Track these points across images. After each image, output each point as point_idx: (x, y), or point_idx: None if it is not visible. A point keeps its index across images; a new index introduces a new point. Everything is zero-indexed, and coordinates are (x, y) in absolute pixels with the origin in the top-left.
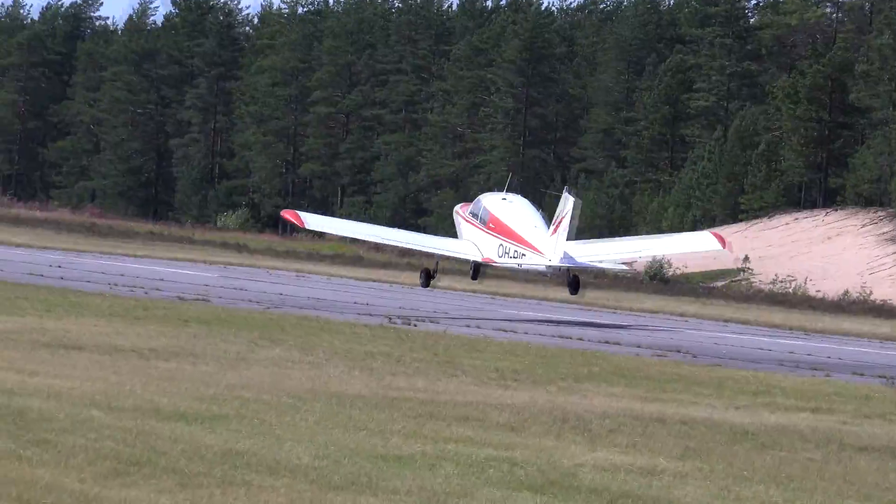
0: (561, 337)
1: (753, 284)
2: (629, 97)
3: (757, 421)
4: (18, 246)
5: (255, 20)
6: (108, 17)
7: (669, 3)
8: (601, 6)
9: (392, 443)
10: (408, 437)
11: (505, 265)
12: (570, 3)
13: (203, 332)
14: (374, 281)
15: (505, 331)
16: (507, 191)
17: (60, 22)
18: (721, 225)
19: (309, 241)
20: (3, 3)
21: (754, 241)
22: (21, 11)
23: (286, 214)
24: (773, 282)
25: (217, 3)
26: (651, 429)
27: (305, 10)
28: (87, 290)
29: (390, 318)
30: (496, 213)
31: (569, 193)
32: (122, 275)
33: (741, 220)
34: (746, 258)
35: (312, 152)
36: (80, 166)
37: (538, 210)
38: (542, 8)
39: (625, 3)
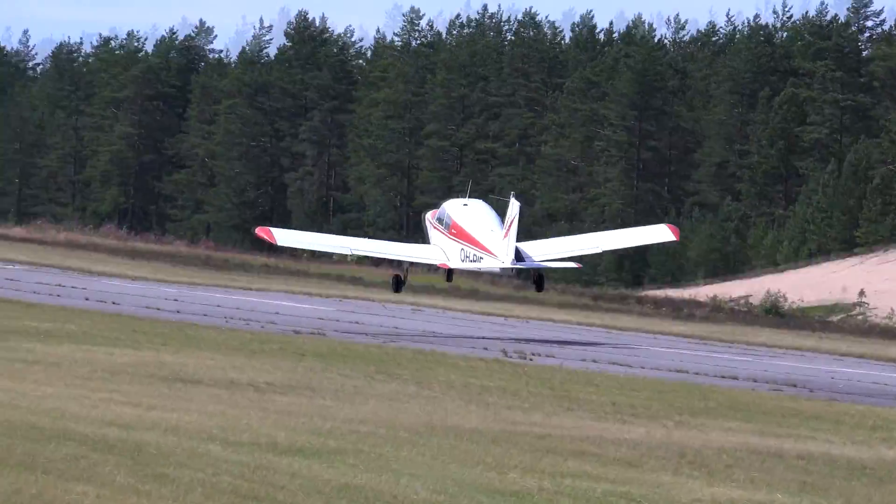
0: (677, 371)
1: (869, 318)
2: (742, 130)
3: (875, 456)
4: (135, 279)
5: (369, 53)
6: (222, 50)
7: (782, 37)
8: (714, 39)
9: (509, 478)
10: (525, 472)
11: (464, 268)
12: (683, 36)
13: (319, 365)
14: (490, 314)
15: (620, 364)
16: (468, 196)
17: (175, 55)
18: (836, 259)
19: (424, 274)
20: (117, 37)
21: (870, 274)
22: (136, 44)
23: (259, 232)
24: (890, 316)
25: (331, 36)
26: (768, 464)
27: (419, 42)
28: (203, 323)
29: (506, 352)
30: (457, 218)
31: (514, 198)
32: (237, 308)
33: (856, 254)
34: (862, 292)
35: (426, 185)
36: (196, 199)
37: (497, 214)
38: (655, 41)
39: (738, 36)
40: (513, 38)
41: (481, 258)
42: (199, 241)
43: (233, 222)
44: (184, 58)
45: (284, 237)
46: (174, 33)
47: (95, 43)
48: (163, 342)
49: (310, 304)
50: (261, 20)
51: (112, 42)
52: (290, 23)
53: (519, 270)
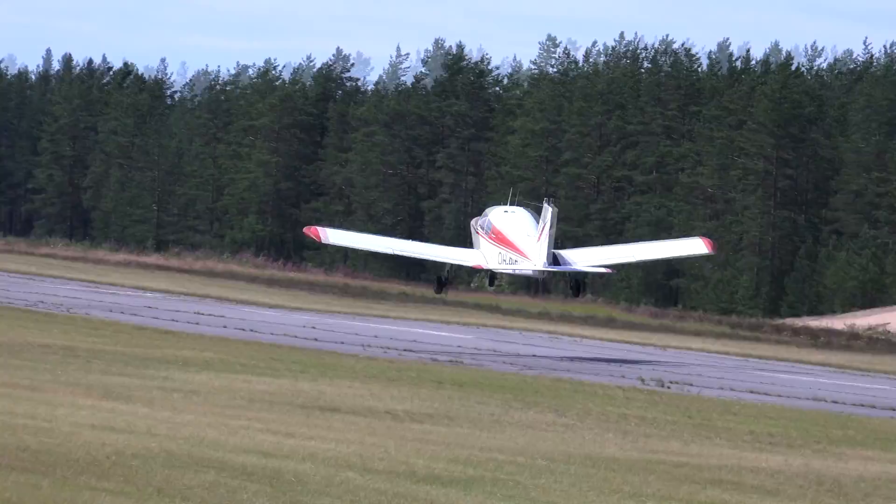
0: (815, 399)
1: None
2: (881, 158)
3: None
4: (272, 307)
5: (506, 80)
6: (359, 78)
7: None
8: (851, 66)
9: None
10: (662, 500)
11: (501, 270)
12: (820, 64)
13: (457, 393)
14: (626, 342)
15: (758, 393)
16: (510, 203)
17: (312, 83)
18: None
19: (560, 302)
20: (254, 64)
21: None
22: (273, 72)
23: (307, 231)
24: None
25: (468, 64)
26: None
27: (555, 70)
28: (340, 351)
29: (643, 380)
30: (497, 224)
31: (548, 204)
32: (375, 336)
33: None
34: None
35: (562, 213)
36: (333, 227)
37: (536, 221)
38: (792, 68)
39: (875, 64)
40: (649, 65)
41: (517, 261)
42: (336, 269)
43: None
44: (321, 86)
45: (333, 236)
46: (312, 61)
47: (234, 70)
48: (301, 370)
49: (447, 331)
50: (398, 48)
51: (251, 70)
52: (427, 50)
53: (554, 274)
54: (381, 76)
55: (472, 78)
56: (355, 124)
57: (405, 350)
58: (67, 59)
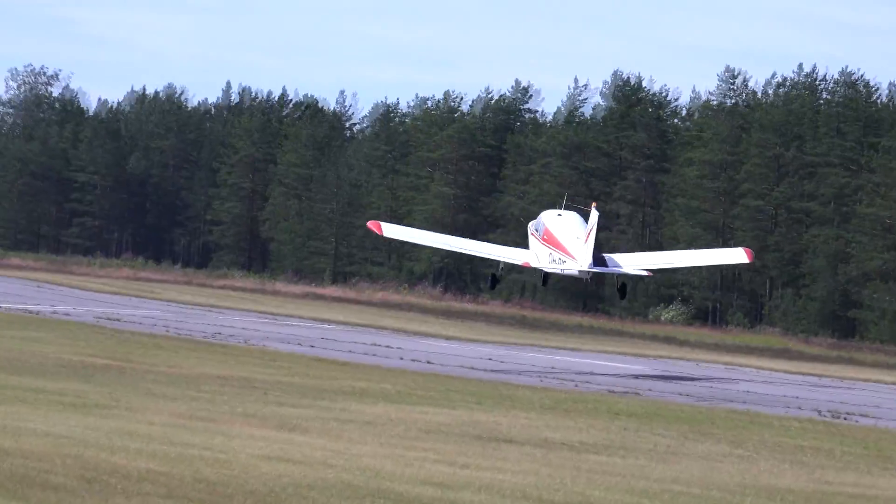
0: None
1: None
2: None
3: None
4: (449, 339)
5: (685, 112)
6: (538, 110)
7: None
8: None
9: None
10: None
11: (548, 269)
12: None
13: (633, 425)
14: (804, 374)
15: None
16: (563, 209)
17: (492, 115)
18: None
19: (738, 333)
20: (433, 96)
21: None
22: (453, 104)
23: (370, 225)
24: None
25: (647, 96)
26: None
27: (734, 102)
28: (517, 382)
29: (820, 412)
30: (549, 226)
31: (594, 209)
32: (552, 367)
33: None
34: None
35: (740, 245)
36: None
37: (585, 224)
38: None
39: None
40: (828, 97)
41: (564, 261)
42: (513, 301)
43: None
44: (501, 118)
45: (390, 230)
46: (490, 93)
47: (413, 103)
48: (477, 401)
49: (623, 362)
50: (575, 79)
51: (430, 102)
52: (605, 82)
53: (599, 276)
54: (559, 107)
55: (649, 109)
56: (533, 156)
57: (582, 381)
58: (247, 92)
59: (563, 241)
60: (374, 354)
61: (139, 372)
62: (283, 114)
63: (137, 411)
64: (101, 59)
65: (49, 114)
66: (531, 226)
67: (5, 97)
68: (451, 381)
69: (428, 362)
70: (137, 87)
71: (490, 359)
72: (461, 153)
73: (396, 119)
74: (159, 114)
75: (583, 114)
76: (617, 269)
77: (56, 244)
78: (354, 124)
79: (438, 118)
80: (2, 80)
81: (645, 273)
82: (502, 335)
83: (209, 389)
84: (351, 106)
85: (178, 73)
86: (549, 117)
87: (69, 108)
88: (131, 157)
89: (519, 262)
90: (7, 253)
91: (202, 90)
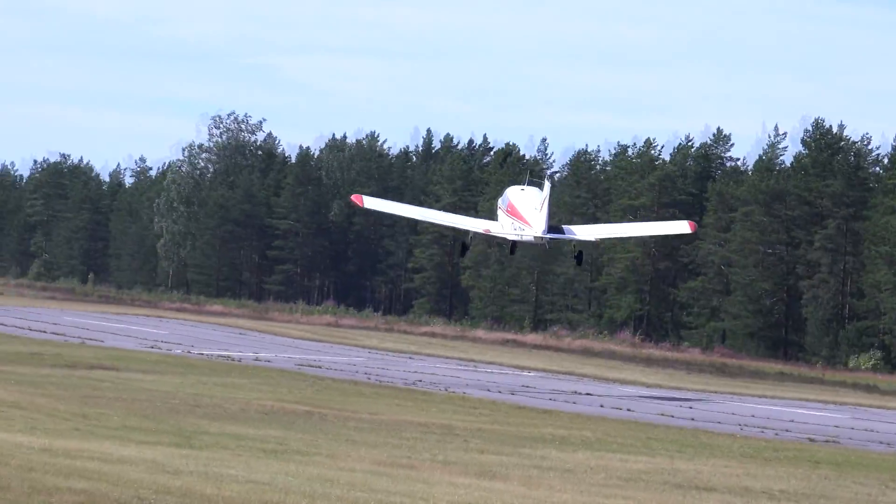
0: None
1: None
2: None
3: None
4: (650, 386)
5: (885, 160)
6: (738, 158)
7: None
8: None
9: None
10: None
11: (511, 237)
12: None
13: (833, 474)
14: None
15: None
16: (526, 184)
17: (691, 162)
18: None
19: None
20: (635, 144)
21: None
22: (652, 152)
23: (353, 198)
24: None
25: (846, 144)
26: None
27: None
28: (717, 430)
29: None
30: (512, 200)
31: (547, 181)
32: (752, 416)
33: None
34: None
35: None
36: (710, 307)
37: (544, 197)
38: None
39: None
40: None
41: (523, 229)
42: (713, 349)
43: (748, 330)
44: (700, 165)
45: (369, 202)
46: (690, 140)
47: (613, 150)
48: (677, 449)
49: (824, 411)
50: (776, 127)
51: (629, 150)
52: (806, 130)
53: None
54: (759, 155)
55: (850, 157)
56: (733, 204)
57: (782, 430)
58: (448, 139)
59: (522, 211)
60: (573, 402)
61: (340, 419)
62: (484, 161)
63: (338, 458)
64: (300, 105)
65: (251, 161)
66: (499, 201)
67: (208, 145)
68: (651, 428)
69: (628, 409)
70: (329, 132)
71: (690, 407)
72: (662, 200)
73: (598, 167)
74: (359, 161)
75: (782, 161)
76: (566, 236)
77: (258, 291)
78: (556, 172)
79: (638, 165)
80: (205, 127)
81: (594, 240)
82: (703, 383)
83: (410, 436)
84: (553, 153)
85: (374, 119)
86: (746, 163)
87: (271, 155)
88: (332, 204)
89: (479, 230)
90: (209, 300)
91: (397, 135)
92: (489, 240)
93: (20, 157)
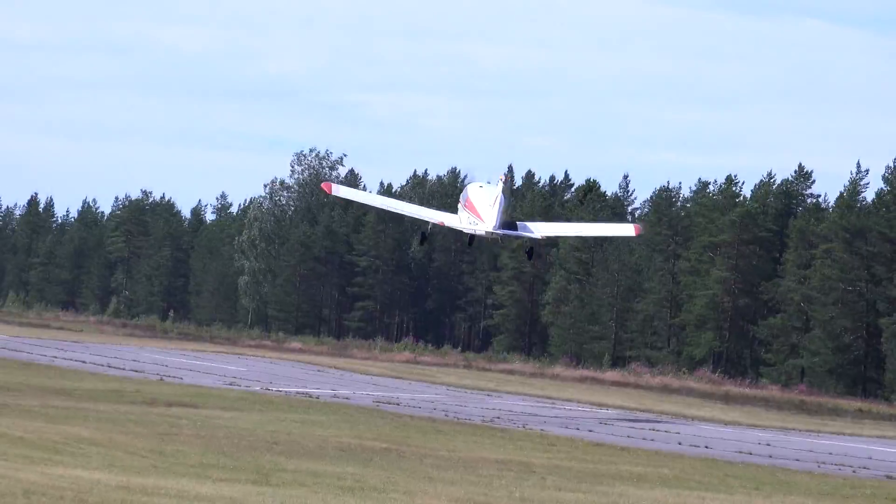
0: None
1: None
2: None
3: None
4: (727, 424)
5: None
6: (819, 195)
7: None
8: None
9: None
10: None
11: (466, 230)
12: None
13: None
14: None
15: None
16: (482, 183)
17: (772, 199)
18: None
19: None
20: (715, 181)
21: None
22: (734, 189)
23: (323, 186)
24: None
25: None
26: None
27: None
28: (795, 468)
29: None
30: (470, 196)
31: (502, 181)
32: (830, 453)
33: None
34: None
35: None
36: (790, 344)
37: (503, 197)
38: None
39: None
40: None
41: (477, 224)
42: (793, 386)
43: (827, 367)
44: (781, 202)
45: (338, 190)
46: (772, 177)
47: (694, 187)
48: (755, 486)
49: None
50: (857, 164)
51: (710, 186)
52: (888, 166)
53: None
54: (841, 192)
55: None
56: (815, 241)
57: (860, 467)
58: (530, 175)
59: (478, 207)
60: (651, 439)
61: (417, 456)
62: (565, 198)
63: (415, 495)
64: (383, 141)
65: (331, 198)
66: (461, 196)
67: (290, 181)
68: (729, 466)
69: (706, 447)
70: (417, 170)
71: (769, 444)
72: (742, 237)
73: (678, 203)
74: (441, 197)
75: (864, 199)
76: (515, 233)
77: (337, 328)
78: (636, 208)
79: (719, 202)
80: (287, 164)
81: (539, 237)
82: (781, 421)
83: (487, 473)
84: (634, 189)
85: (459, 156)
86: (829, 201)
87: None
88: (412, 241)
89: (434, 221)
90: (289, 337)
91: (481, 173)
92: (450, 232)
93: (103, 194)
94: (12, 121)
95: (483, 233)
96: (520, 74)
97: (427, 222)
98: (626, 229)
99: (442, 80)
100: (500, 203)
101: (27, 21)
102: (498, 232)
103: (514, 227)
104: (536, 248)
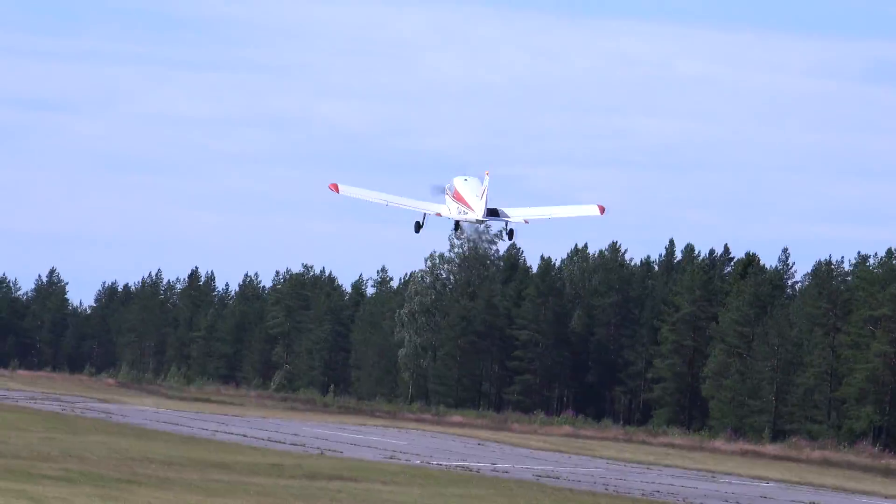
0: None
1: None
2: None
3: None
4: (887, 497)
5: None
6: None
7: None
8: None
9: None
10: None
11: (457, 218)
12: None
13: None
14: None
15: None
16: (468, 177)
17: None
18: None
19: None
20: (875, 254)
21: None
22: (895, 262)
23: (330, 186)
24: None
25: None
26: None
27: None
28: None
29: None
30: (458, 188)
31: (486, 174)
32: None
33: None
34: None
35: None
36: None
37: (482, 186)
38: None
39: None
40: None
41: (467, 212)
42: None
43: None
44: None
45: (346, 190)
46: None
47: (854, 260)
48: None
49: None
50: None
51: (870, 260)
52: None
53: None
54: None
55: None
56: None
57: None
58: (689, 248)
59: (466, 197)
60: None
61: None
62: (725, 271)
63: None
64: None
65: (491, 272)
66: (446, 188)
67: (449, 255)
68: None
69: None
70: (577, 244)
71: None
72: None
73: (838, 277)
74: (600, 271)
75: None
76: (500, 219)
77: (497, 401)
78: (797, 282)
79: (880, 276)
80: (444, 237)
81: (522, 221)
82: None
83: None
84: (794, 263)
85: (619, 230)
86: None
87: (513, 265)
88: (573, 314)
89: (433, 212)
90: (449, 410)
91: (641, 247)
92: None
93: (263, 267)
94: (174, 194)
95: (474, 220)
96: (679, 147)
97: (423, 213)
98: (590, 209)
99: (602, 152)
100: (486, 195)
101: (189, 97)
102: (485, 219)
103: (497, 214)
104: (516, 231)
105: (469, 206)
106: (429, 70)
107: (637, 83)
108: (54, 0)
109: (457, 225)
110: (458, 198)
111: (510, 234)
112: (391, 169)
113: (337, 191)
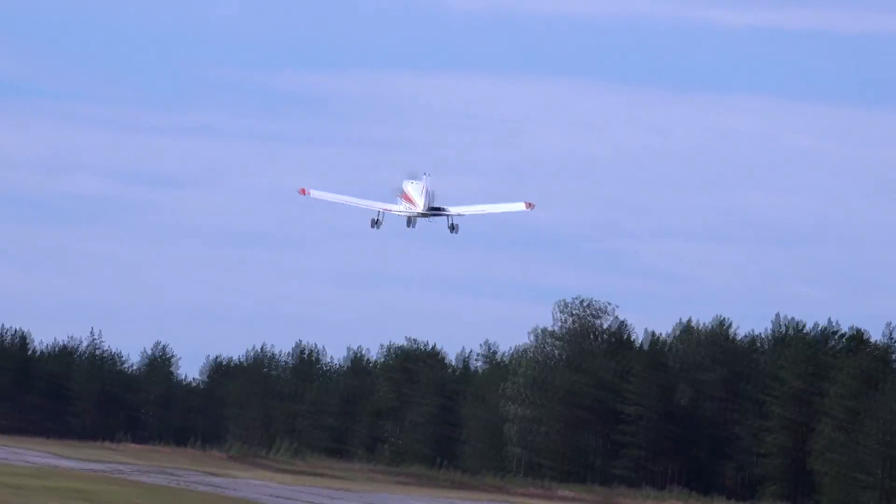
0: None
1: None
2: None
3: None
4: None
5: None
6: None
7: None
8: None
9: None
10: None
11: (400, 213)
12: None
13: None
14: None
15: None
16: (414, 180)
17: None
18: None
19: None
20: None
21: None
22: None
23: (299, 190)
24: None
25: None
26: None
27: None
28: None
29: None
30: (405, 189)
31: (425, 175)
32: None
33: None
34: None
35: None
36: None
37: (428, 188)
38: None
39: None
40: None
41: (411, 208)
42: None
43: None
44: None
45: (315, 193)
46: None
47: None
48: None
49: None
50: None
51: None
52: None
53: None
54: None
55: None
56: None
57: None
58: (793, 323)
59: (412, 196)
60: None
61: None
62: (831, 346)
63: None
64: (650, 290)
65: (597, 346)
66: (399, 190)
67: (554, 328)
68: None
69: None
70: (684, 318)
71: None
72: None
73: None
74: (707, 346)
75: None
76: (440, 213)
77: (603, 475)
78: None
79: None
80: (550, 312)
81: (456, 214)
82: None
83: None
84: None
85: (726, 304)
86: None
87: (619, 340)
88: (678, 388)
89: (379, 208)
90: (557, 485)
91: (748, 321)
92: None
93: (368, 341)
94: (279, 267)
95: (417, 213)
96: (786, 222)
97: (378, 211)
98: (517, 206)
99: (710, 228)
100: (427, 193)
101: (299, 171)
102: (428, 213)
103: (440, 210)
104: (457, 228)
105: (413, 203)
106: (535, 144)
107: (745, 157)
108: (166, 76)
109: (408, 220)
110: (406, 198)
111: (452, 227)
112: (498, 244)
113: (305, 193)
